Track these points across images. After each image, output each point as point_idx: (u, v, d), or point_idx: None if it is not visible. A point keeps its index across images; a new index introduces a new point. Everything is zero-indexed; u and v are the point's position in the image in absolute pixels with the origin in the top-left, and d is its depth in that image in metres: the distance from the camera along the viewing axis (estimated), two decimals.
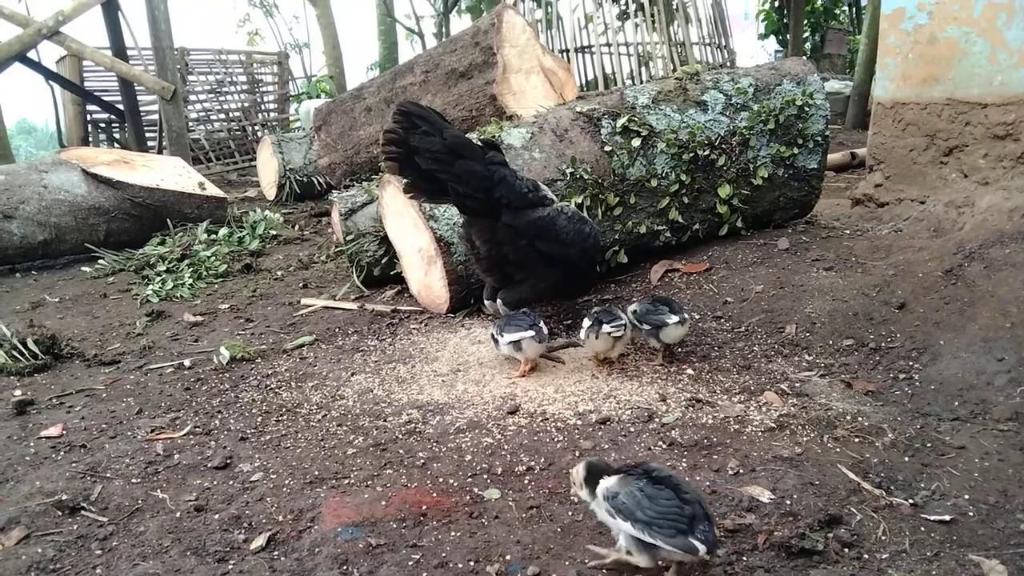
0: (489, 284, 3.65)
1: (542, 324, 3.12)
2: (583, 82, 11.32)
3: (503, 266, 3.51)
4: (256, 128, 13.54)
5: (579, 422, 2.66)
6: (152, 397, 3.24)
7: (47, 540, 2.15)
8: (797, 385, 2.88)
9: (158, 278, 5.30)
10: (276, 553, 2.04)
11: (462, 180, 3.17)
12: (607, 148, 4.14)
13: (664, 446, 2.45)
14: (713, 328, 3.51)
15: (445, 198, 3.35)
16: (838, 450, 2.38)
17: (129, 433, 2.86)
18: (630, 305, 3.27)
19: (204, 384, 3.35)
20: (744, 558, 1.88)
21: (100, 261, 5.89)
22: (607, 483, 1.83)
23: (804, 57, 11.90)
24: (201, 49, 13.17)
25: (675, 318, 3.04)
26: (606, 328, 2.99)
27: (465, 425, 2.70)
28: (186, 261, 5.62)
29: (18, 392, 3.34)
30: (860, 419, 2.57)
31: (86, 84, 12.10)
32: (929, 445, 2.41)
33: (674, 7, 11.05)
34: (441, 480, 2.34)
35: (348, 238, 4.57)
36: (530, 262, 3.45)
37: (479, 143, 3.32)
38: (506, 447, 2.51)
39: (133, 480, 2.49)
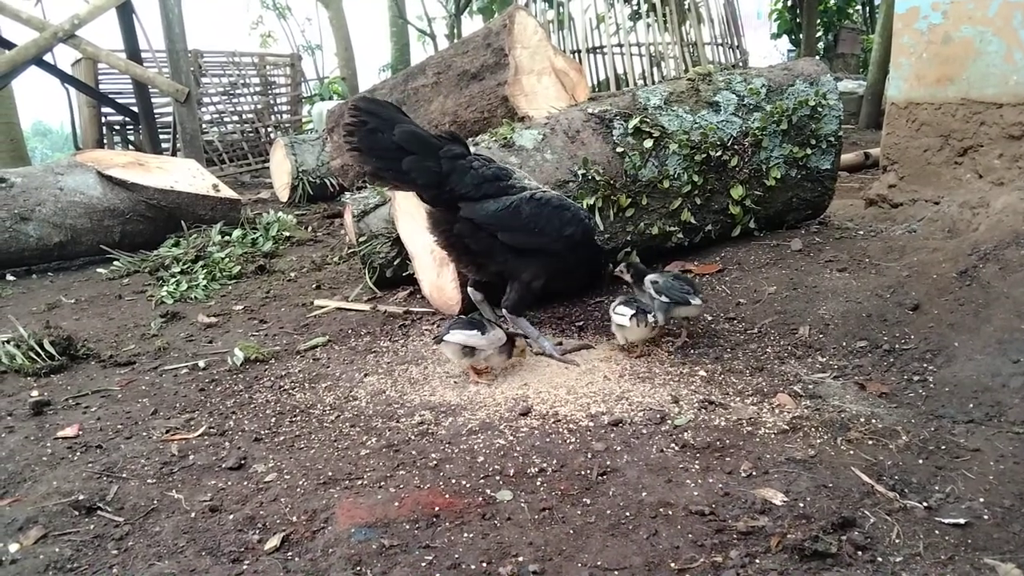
0: (470, 275, 3.60)
1: (490, 328, 3.09)
2: (595, 83, 11.32)
3: (473, 257, 3.41)
4: (269, 130, 13.62)
5: (591, 424, 2.66)
6: (167, 398, 3.26)
7: (64, 540, 2.18)
8: (810, 387, 2.87)
9: (172, 279, 5.34)
10: (290, 554, 2.06)
11: (408, 177, 3.15)
12: (619, 149, 4.14)
13: (676, 448, 2.45)
14: (726, 329, 3.50)
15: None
16: (851, 452, 2.37)
17: (144, 434, 2.88)
18: (649, 276, 3.37)
19: (218, 385, 3.38)
20: (757, 560, 1.88)
21: (115, 263, 5.94)
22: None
23: (817, 57, 11.85)
24: (214, 51, 13.26)
25: (697, 300, 3.26)
26: (650, 318, 3.15)
27: (477, 426, 2.71)
28: (200, 262, 5.65)
29: (35, 393, 3.38)
30: (874, 421, 2.56)
31: (101, 87, 12.20)
32: (943, 447, 2.39)
33: (686, 7, 11.03)
34: (454, 481, 2.35)
35: (361, 239, 4.59)
36: (496, 253, 3.33)
37: (441, 136, 3.27)
38: (518, 449, 2.52)
39: (148, 480, 2.51)
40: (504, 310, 3.44)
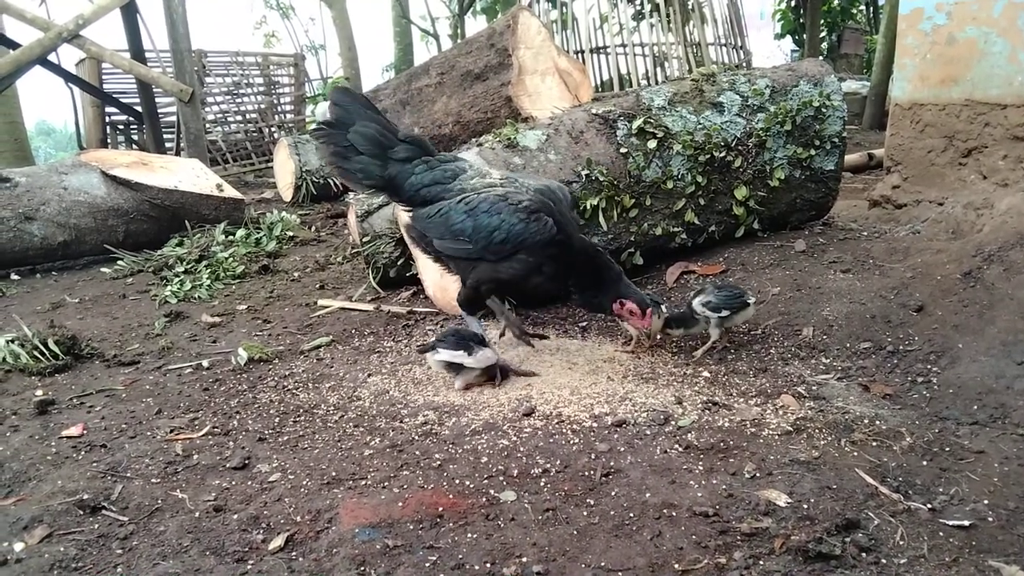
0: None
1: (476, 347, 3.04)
2: (598, 83, 11.32)
3: (437, 260, 3.38)
4: (273, 130, 13.62)
5: (595, 424, 2.66)
6: (171, 397, 3.27)
7: (69, 539, 2.18)
8: (814, 388, 2.87)
9: (176, 279, 5.35)
10: (294, 553, 2.06)
11: (355, 177, 3.17)
12: (623, 150, 4.14)
13: (680, 449, 2.45)
14: (729, 330, 3.50)
15: None
16: (855, 454, 2.37)
17: (149, 433, 2.89)
18: (696, 298, 3.26)
19: (222, 385, 3.38)
20: (761, 562, 1.88)
21: (119, 262, 5.95)
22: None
23: (821, 57, 11.84)
24: (218, 51, 13.26)
25: (752, 298, 3.28)
26: (663, 308, 3.20)
27: (481, 427, 2.71)
28: (204, 262, 5.66)
29: (40, 392, 3.38)
30: (878, 423, 2.56)
31: (105, 86, 12.21)
32: (947, 449, 2.39)
33: (690, 7, 11.02)
34: (457, 482, 2.35)
35: (364, 240, 4.59)
36: (444, 259, 3.28)
37: (400, 137, 3.23)
38: (522, 449, 2.52)
39: (153, 480, 2.52)
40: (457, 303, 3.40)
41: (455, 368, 3.05)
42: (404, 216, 3.47)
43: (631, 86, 10.54)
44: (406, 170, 3.18)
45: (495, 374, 3.11)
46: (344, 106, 3.15)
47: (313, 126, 3.17)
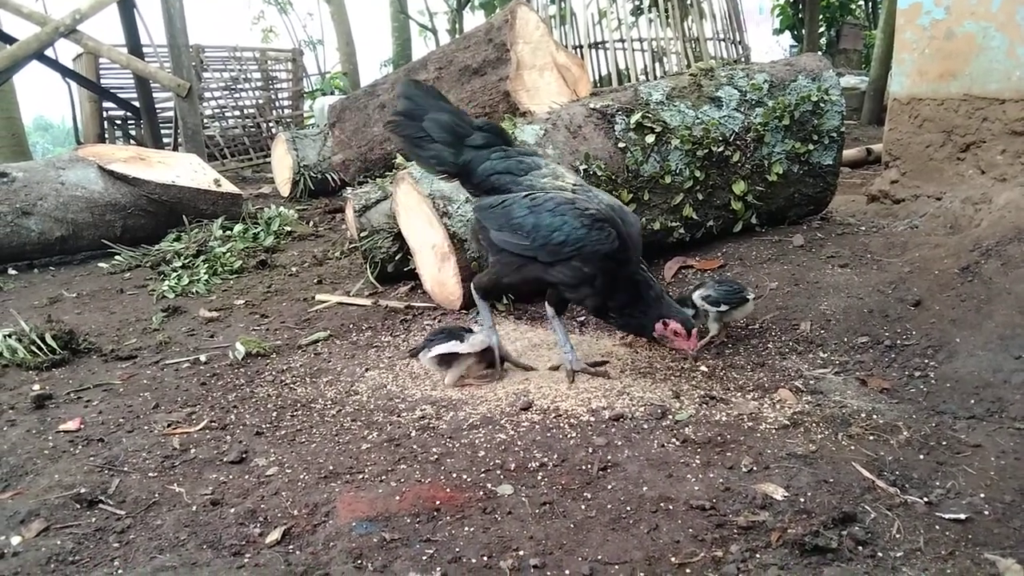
0: None
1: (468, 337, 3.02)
2: (597, 78, 11.30)
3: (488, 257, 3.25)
4: (270, 125, 13.61)
5: (592, 419, 2.66)
6: (168, 392, 3.27)
7: (66, 532, 2.18)
8: (811, 382, 2.87)
9: (174, 274, 5.34)
10: (291, 547, 2.06)
11: (429, 163, 3.16)
12: (621, 144, 4.14)
13: (677, 443, 2.45)
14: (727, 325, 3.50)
15: None
16: (852, 448, 2.37)
17: (146, 427, 2.89)
18: (696, 291, 3.27)
19: (220, 379, 3.38)
20: (757, 555, 1.88)
21: (117, 257, 5.94)
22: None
23: (819, 52, 11.83)
24: (216, 46, 13.25)
25: (751, 294, 3.28)
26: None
27: (478, 421, 2.71)
28: (202, 257, 5.66)
29: (37, 386, 3.38)
30: (875, 417, 2.56)
31: (102, 81, 12.19)
32: (944, 443, 2.39)
33: (688, 2, 11.00)
34: (455, 476, 2.35)
35: (362, 234, 4.59)
36: (495, 253, 3.12)
37: (476, 125, 3.18)
38: (519, 443, 2.52)
39: (150, 474, 2.52)
40: (472, 283, 3.27)
41: (447, 362, 3.03)
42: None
43: (629, 81, 10.53)
44: (481, 155, 3.11)
45: (493, 359, 3.09)
46: (414, 98, 3.15)
47: (388, 117, 3.16)
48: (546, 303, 3.23)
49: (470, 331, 3.08)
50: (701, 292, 3.24)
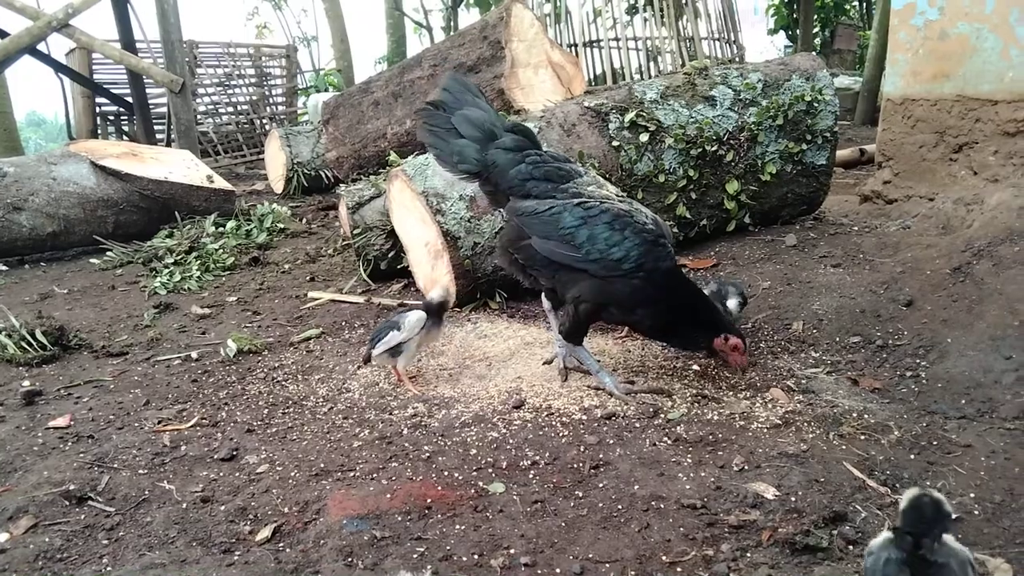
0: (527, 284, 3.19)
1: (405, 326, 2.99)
2: (591, 77, 11.29)
3: (520, 264, 3.02)
4: (264, 121, 13.55)
5: (584, 417, 2.66)
6: (159, 389, 3.25)
7: (55, 529, 2.17)
8: (803, 382, 2.87)
9: (166, 270, 5.32)
10: (281, 545, 2.05)
11: (450, 160, 2.99)
12: (615, 143, 4.14)
13: (669, 442, 2.45)
14: None
15: None
16: (844, 447, 2.38)
17: (136, 424, 2.88)
18: (729, 300, 3.24)
19: (211, 376, 3.37)
20: (748, 554, 1.88)
21: (108, 253, 5.91)
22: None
23: (813, 52, 11.85)
24: (210, 42, 13.18)
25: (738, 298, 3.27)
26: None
27: (470, 419, 2.71)
28: (194, 254, 5.63)
29: (27, 382, 3.36)
30: (866, 416, 2.56)
31: (95, 77, 12.12)
32: (935, 443, 2.40)
33: (683, 2, 11.01)
34: (446, 474, 2.35)
35: (355, 232, 4.58)
36: (536, 263, 2.92)
37: (512, 127, 3.04)
38: (511, 441, 2.52)
39: (140, 471, 2.51)
40: (561, 336, 3.00)
41: (397, 353, 3.02)
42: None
43: (624, 80, 10.54)
44: (511, 158, 2.94)
45: (432, 330, 3.08)
46: (453, 91, 3.04)
47: (419, 105, 3.01)
48: (557, 331, 3.03)
49: (404, 314, 3.07)
50: (732, 302, 3.21)
